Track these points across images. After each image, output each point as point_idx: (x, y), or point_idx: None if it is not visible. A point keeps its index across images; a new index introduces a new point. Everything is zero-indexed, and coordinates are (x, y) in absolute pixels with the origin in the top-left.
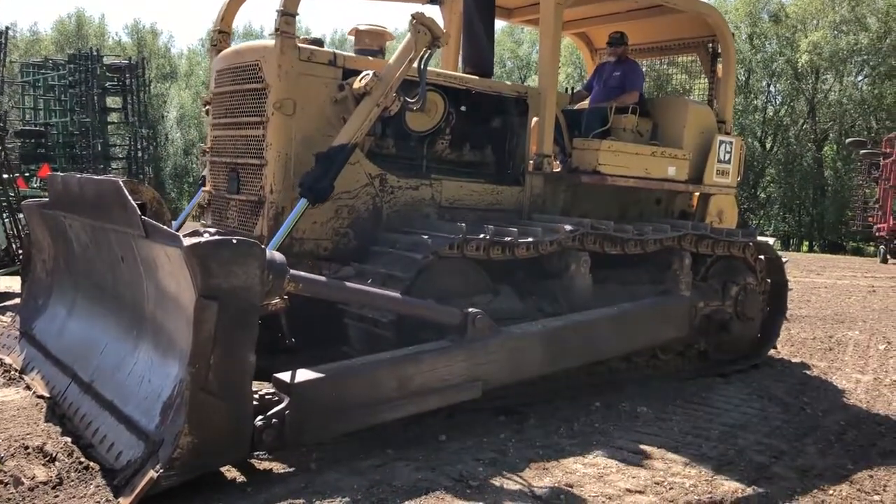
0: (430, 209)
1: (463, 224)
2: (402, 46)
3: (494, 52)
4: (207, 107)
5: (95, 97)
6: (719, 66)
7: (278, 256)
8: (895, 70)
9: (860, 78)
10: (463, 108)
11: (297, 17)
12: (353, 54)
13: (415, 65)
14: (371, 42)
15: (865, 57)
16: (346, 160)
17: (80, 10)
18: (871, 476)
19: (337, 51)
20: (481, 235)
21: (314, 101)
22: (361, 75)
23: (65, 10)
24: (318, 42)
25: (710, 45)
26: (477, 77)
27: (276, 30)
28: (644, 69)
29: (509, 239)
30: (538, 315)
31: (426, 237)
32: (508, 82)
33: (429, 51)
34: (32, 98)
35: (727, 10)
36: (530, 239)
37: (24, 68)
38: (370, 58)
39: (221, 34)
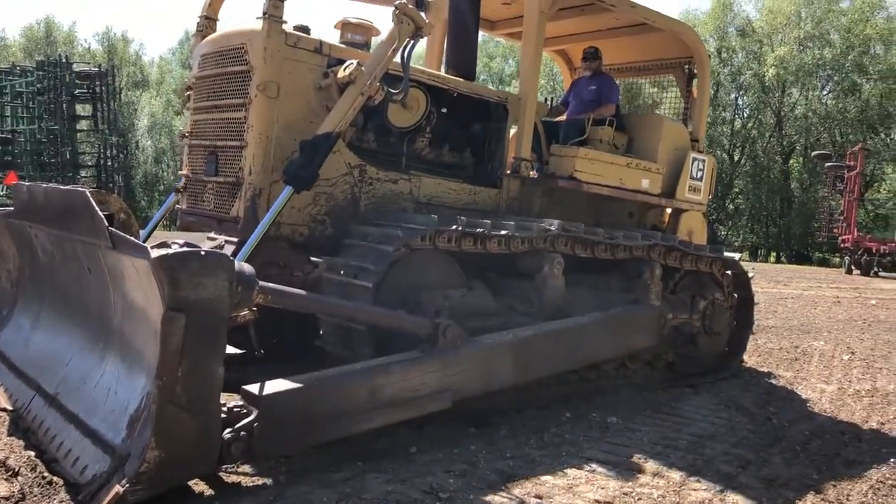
0: (407, 204)
1: (435, 216)
2: (385, 36)
3: (477, 59)
4: (189, 92)
5: (64, 104)
6: (695, 86)
7: (247, 268)
8: (858, 85)
9: (825, 92)
10: (444, 109)
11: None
12: (340, 44)
13: (398, 56)
14: (357, 35)
15: (829, 72)
16: (331, 148)
17: (49, 16)
18: (835, 486)
19: (324, 39)
20: (453, 227)
21: (298, 86)
22: (346, 64)
23: (34, 17)
24: (306, 29)
25: (687, 66)
26: (459, 79)
27: (264, 13)
28: (618, 83)
29: (481, 230)
30: (511, 313)
31: (398, 229)
32: (491, 87)
33: (412, 41)
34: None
35: (696, 23)
36: (503, 232)
37: None
38: (357, 50)
39: (208, 20)
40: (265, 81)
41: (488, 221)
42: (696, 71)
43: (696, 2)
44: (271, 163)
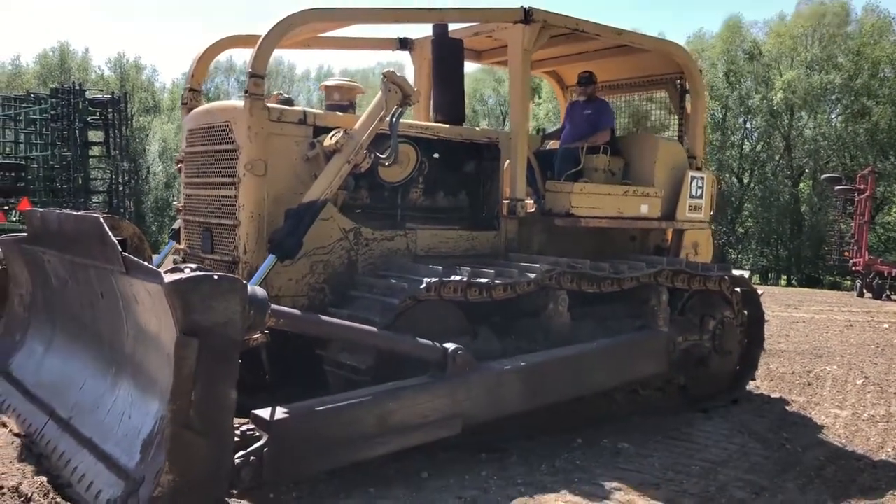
0: (405, 260)
1: (440, 267)
2: (373, 104)
3: (465, 97)
4: (180, 165)
5: (77, 131)
6: (688, 102)
7: (260, 291)
8: (867, 109)
9: (834, 115)
10: (435, 156)
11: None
12: (323, 111)
13: (386, 121)
14: (341, 97)
15: (838, 95)
16: (316, 216)
17: (63, 43)
18: None
19: (307, 109)
20: (457, 278)
21: (285, 160)
22: (332, 133)
23: (48, 44)
24: (289, 101)
25: (679, 81)
26: (447, 125)
27: (245, 91)
28: (623, 104)
29: (486, 281)
30: (517, 354)
31: (403, 281)
32: (479, 128)
33: (400, 108)
34: (13, 131)
35: (704, 47)
36: (508, 280)
37: (6, 102)
38: (340, 114)
39: (192, 92)
40: (252, 160)
41: (492, 270)
42: (687, 87)
43: (708, 23)
44: (265, 239)
